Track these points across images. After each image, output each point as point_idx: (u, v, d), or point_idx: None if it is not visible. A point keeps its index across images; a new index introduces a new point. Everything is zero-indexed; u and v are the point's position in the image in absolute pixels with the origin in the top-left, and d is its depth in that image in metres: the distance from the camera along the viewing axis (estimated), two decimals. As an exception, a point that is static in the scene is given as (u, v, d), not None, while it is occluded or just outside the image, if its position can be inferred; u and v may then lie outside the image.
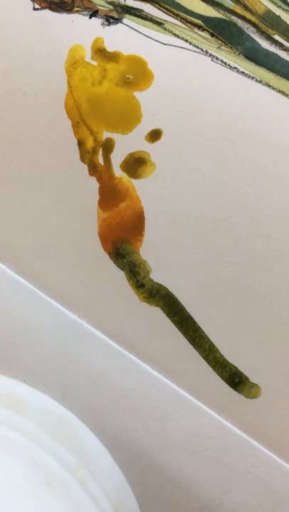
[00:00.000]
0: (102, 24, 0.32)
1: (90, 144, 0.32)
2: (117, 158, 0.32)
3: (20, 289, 0.31)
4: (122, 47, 0.32)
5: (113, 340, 0.30)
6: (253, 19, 0.31)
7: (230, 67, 0.31)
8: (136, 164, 0.32)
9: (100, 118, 0.32)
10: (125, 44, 0.32)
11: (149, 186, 0.31)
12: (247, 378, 0.30)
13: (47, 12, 0.32)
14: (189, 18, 0.32)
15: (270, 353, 0.30)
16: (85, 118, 0.32)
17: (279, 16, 0.32)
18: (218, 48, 0.31)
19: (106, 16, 0.32)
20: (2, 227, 0.31)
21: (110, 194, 0.31)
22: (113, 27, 0.32)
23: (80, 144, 0.32)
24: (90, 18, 0.32)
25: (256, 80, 0.32)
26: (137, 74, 0.32)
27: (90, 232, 0.31)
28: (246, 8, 0.31)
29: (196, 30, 0.32)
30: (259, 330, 0.30)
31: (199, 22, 0.32)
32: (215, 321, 0.30)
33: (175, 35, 0.32)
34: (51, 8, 0.32)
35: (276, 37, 0.32)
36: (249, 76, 0.32)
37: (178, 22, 0.32)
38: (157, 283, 0.31)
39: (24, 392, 0.28)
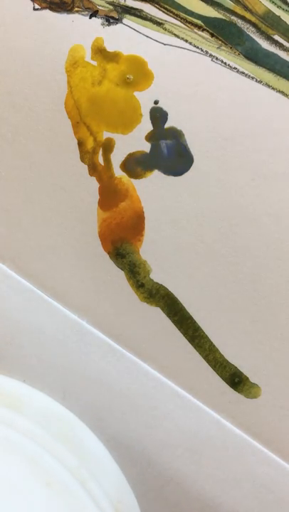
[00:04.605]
0: (102, 24, 0.32)
1: (90, 144, 0.32)
2: (117, 158, 0.32)
3: (20, 289, 0.31)
4: (122, 47, 0.32)
5: (113, 340, 0.30)
6: (253, 19, 0.31)
7: (230, 67, 0.31)
8: (136, 164, 0.32)
9: (100, 118, 0.32)
10: (125, 44, 0.32)
11: (149, 186, 0.31)
12: (247, 378, 0.30)
13: (47, 12, 0.32)
14: (189, 18, 0.32)
15: (270, 353, 0.30)
16: (85, 118, 0.32)
17: (279, 16, 0.32)
18: (218, 48, 0.31)
19: (106, 16, 0.32)
20: (2, 227, 0.31)
21: (110, 194, 0.31)
22: (113, 27, 0.32)
23: (80, 144, 0.32)
24: (90, 18, 0.32)
25: (256, 80, 0.32)
26: (137, 74, 0.32)
27: (90, 232, 0.31)
28: (246, 8, 0.31)
29: (196, 30, 0.32)
30: (259, 330, 0.30)
31: (199, 22, 0.32)
32: (215, 321, 0.30)
33: (175, 35, 0.32)
34: (51, 8, 0.32)
35: (276, 37, 0.32)
36: (249, 76, 0.32)
37: (178, 22, 0.32)
38: (157, 283, 0.31)
39: (24, 392, 0.28)
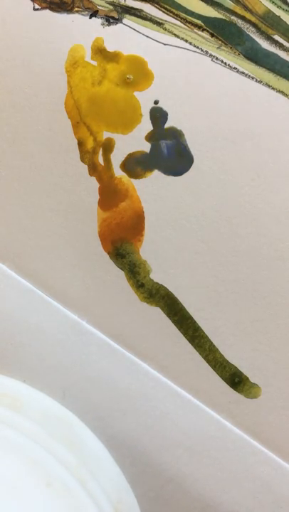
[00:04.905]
0: (102, 24, 0.32)
1: (90, 144, 0.32)
2: (117, 158, 0.32)
3: (20, 289, 0.31)
4: (122, 47, 0.32)
5: (113, 340, 0.30)
6: (253, 19, 0.31)
7: (230, 67, 0.31)
8: (136, 164, 0.32)
9: (100, 118, 0.32)
10: (125, 44, 0.32)
11: (149, 186, 0.31)
12: (247, 378, 0.30)
13: (47, 12, 0.32)
14: (189, 18, 0.32)
15: (270, 353, 0.30)
16: (85, 118, 0.32)
17: (279, 16, 0.32)
18: (218, 48, 0.31)
19: (106, 16, 0.32)
20: (2, 227, 0.31)
21: (110, 194, 0.31)
22: (113, 27, 0.32)
23: (80, 144, 0.32)
24: (90, 18, 0.32)
25: (256, 80, 0.32)
26: (137, 74, 0.32)
27: (90, 232, 0.31)
28: (246, 8, 0.31)
29: (196, 30, 0.32)
30: (259, 330, 0.30)
31: (199, 22, 0.32)
32: (215, 321, 0.30)
33: (175, 35, 0.32)
34: (51, 8, 0.32)
35: (276, 37, 0.32)
36: (249, 76, 0.32)
37: (178, 22, 0.32)
38: (157, 283, 0.31)
39: (24, 392, 0.28)
